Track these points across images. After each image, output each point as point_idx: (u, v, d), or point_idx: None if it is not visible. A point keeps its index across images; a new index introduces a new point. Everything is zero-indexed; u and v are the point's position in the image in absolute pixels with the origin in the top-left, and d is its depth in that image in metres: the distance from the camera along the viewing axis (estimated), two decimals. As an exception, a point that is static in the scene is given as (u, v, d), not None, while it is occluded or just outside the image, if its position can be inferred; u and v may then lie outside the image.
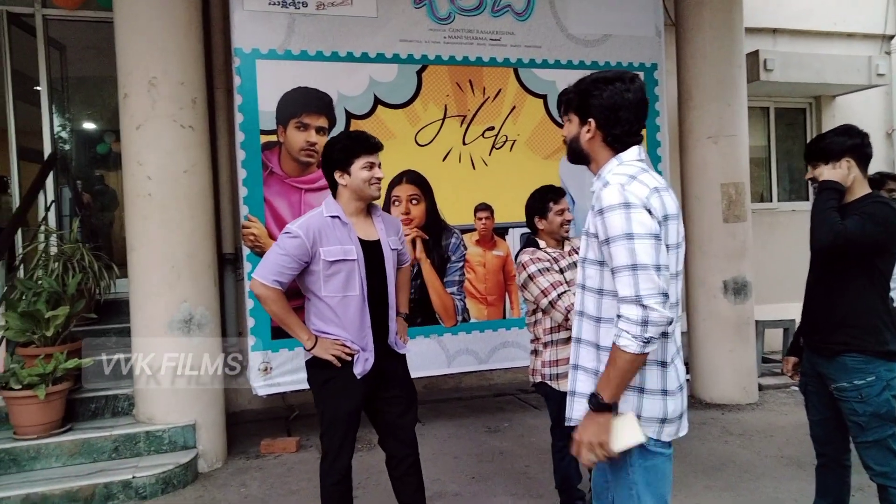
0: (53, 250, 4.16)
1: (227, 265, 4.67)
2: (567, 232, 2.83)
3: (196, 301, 3.64)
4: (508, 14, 4.33)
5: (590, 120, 1.69)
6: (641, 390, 1.64)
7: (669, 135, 4.81)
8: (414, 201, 4.19)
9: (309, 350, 2.32)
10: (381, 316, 2.37)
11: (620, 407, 1.63)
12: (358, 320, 2.31)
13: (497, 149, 4.36)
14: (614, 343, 1.54)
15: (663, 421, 1.64)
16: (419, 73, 4.18)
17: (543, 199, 2.81)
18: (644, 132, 4.48)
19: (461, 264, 4.30)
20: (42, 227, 4.45)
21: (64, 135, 6.14)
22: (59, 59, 5.33)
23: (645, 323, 1.51)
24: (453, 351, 4.26)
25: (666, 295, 1.53)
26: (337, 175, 2.33)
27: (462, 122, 4.28)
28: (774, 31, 6.28)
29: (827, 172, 2.27)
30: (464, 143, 4.29)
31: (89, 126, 7.31)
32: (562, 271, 2.69)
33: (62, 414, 3.50)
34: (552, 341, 2.70)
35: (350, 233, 2.31)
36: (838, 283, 2.29)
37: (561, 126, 1.84)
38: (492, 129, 4.34)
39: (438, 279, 4.24)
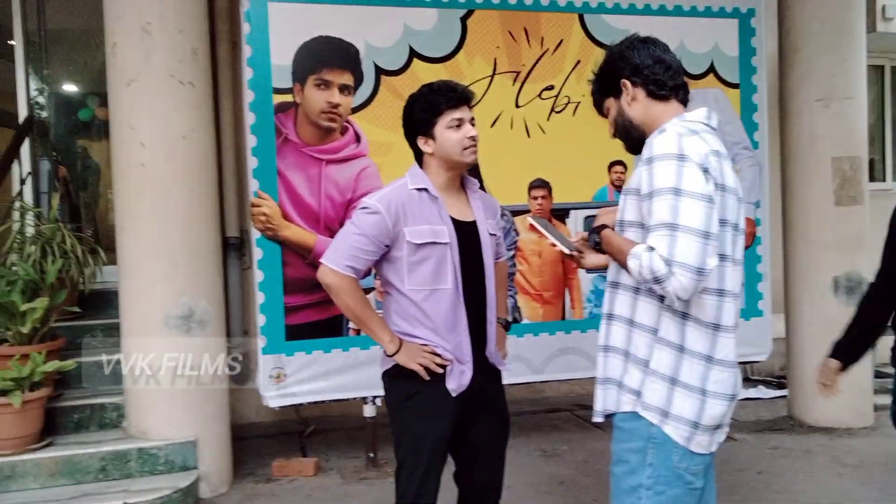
0: (30, 231, 4.08)
1: (232, 251, 4.56)
2: None
3: (197, 294, 3.52)
4: (574, -53, 4.10)
5: (622, 83, 1.72)
6: (673, 381, 1.61)
7: (769, 97, 4.53)
8: (456, 176, 4.01)
9: (391, 356, 2.11)
10: (478, 318, 2.16)
11: (645, 394, 1.63)
12: (451, 321, 2.10)
13: (557, 112, 4.14)
14: (631, 251, 1.56)
15: (696, 426, 1.61)
16: (464, 19, 3.97)
17: None
18: (736, 92, 4.38)
19: (512, 254, 4.09)
20: (17, 204, 4.37)
21: (42, 98, 6.07)
22: (35, 8, 5.23)
23: (659, 282, 1.50)
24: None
25: (702, 271, 1.49)
26: (421, 142, 2.14)
27: (515, 80, 4.07)
28: (895, -29, 5.89)
29: None
30: (517, 106, 4.08)
31: (70, 88, 7.25)
32: None
33: (41, 426, 3.40)
34: None
35: (441, 210, 2.12)
36: None
37: None
38: (551, 88, 4.12)
39: (485, 271, 4.06)
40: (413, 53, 3.92)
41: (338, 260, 2.08)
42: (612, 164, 4.23)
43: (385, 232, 2.07)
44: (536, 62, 4.11)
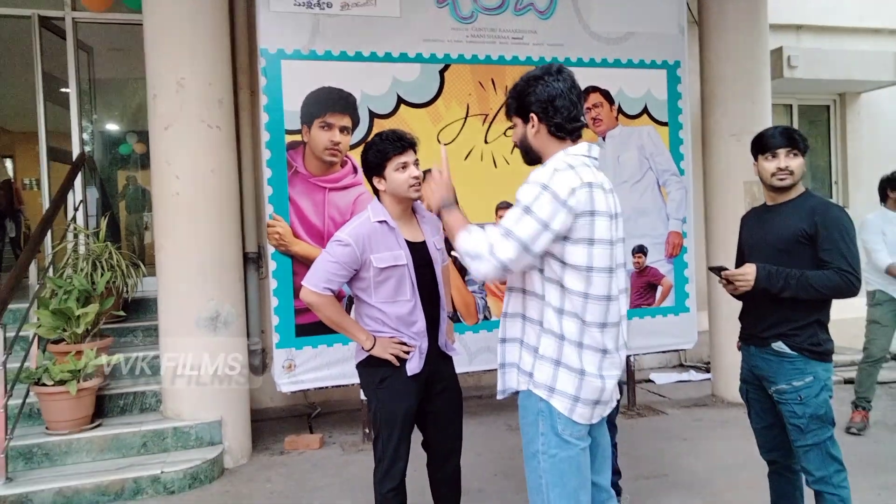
0: (81, 249, 4.22)
1: (250, 263, 4.69)
2: None
3: (222, 299, 3.68)
4: (531, 12, 4.30)
5: (531, 115, 1.75)
6: (557, 363, 1.69)
7: (692, 133, 4.75)
8: (436, 200, 4.19)
9: (368, 350, 2.27)
10: (432, 318, 2.34)
11: (535, 375, 1.71)
12: (411, 322, 2.28)
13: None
14: (468, 227, 1.73)
15: (576, 399, 1.68)
16: (441, 72, 4.17)
17: None
18: (665, 129, 4.59)
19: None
20: (71, 227, 4.51)
21: (87, 136, 6.23)
22: (86, 62, 5.40)
23: (472, 258, 1.64)
24: (475, 349, 4.24)
25: (506, 269, 1.63)
26: (375, 181, 2.30)
27: (484, 121, 4.27)
28: (798, 27, 6.18)
29: None
30: (485, 142, 4.27)
31: (112, 127, 7.41)
32: None
33: (92, 410, 3.54)
34: None
35: (397, 237, 2.28)
36: None
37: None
38: (514, 127, 4.30)
39: (461, 277, 4.22)
40: (400, 100, 4.10)
41: (317, 283, 2.23)
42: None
43: (354, 260, 2.22)
44: (502, 106, 4.26)
